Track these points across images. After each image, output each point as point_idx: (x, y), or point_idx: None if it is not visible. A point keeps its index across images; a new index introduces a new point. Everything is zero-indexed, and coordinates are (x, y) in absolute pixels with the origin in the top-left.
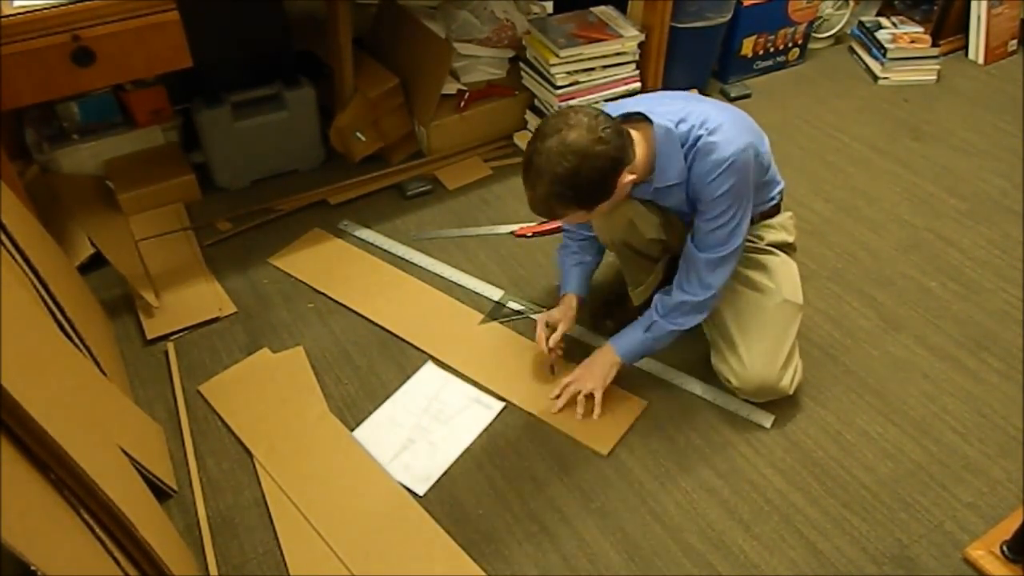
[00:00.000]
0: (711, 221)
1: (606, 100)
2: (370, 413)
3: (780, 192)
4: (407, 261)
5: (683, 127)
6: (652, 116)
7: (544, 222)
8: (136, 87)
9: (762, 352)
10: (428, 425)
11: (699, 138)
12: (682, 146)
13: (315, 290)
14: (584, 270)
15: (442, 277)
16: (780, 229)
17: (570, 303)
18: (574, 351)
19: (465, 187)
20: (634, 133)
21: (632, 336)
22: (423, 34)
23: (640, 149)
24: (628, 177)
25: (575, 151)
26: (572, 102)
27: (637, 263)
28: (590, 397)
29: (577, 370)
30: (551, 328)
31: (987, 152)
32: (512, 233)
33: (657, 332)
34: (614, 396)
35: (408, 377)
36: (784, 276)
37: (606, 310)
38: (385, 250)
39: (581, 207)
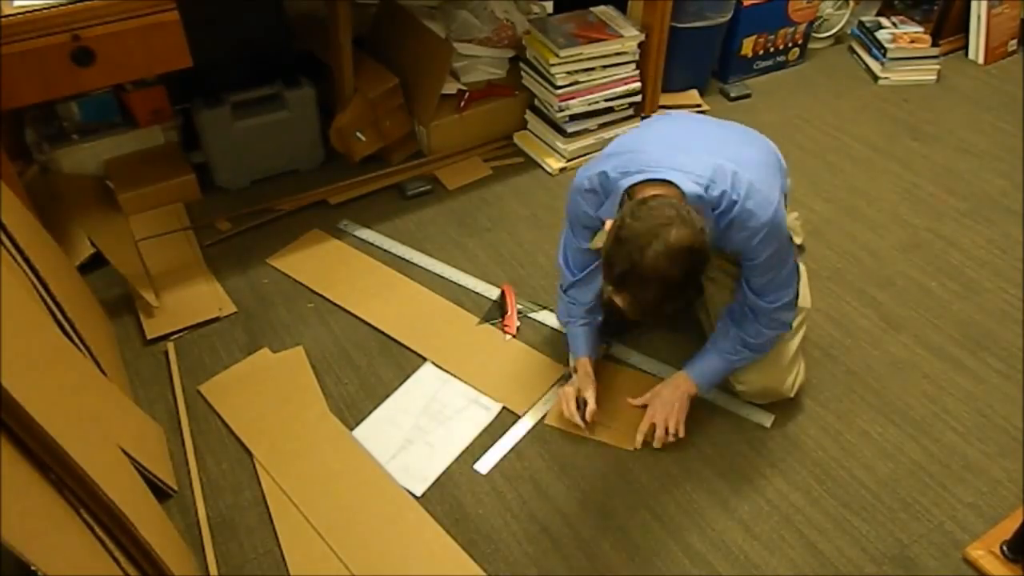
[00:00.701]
0: (764, 276)
1: (607, 138)
2: (369, 413)
3: (786, 192)
4: (407, 261)
5: (713, 191)
6: (680, 183)
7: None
8: (136, 87)
9: (769, 357)
10: (426, 425)
11: (733, 203)
12: (713, 209)
13: (314, 291)
14: (590, 330)
15: (442, 277)
16: (789, 231)
17: (586, 368)
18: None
19: (465, 187)
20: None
21: (713, 365)
22: (423, 34)
23: None
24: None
25: (686, 250)
26: (570, 102)
27: None
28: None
29: (654, 406)
30: (580, 399)
31: (987, 152)
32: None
33: (742, 362)
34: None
35: (407, 377)
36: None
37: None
38: (385, 250)
39: (688, 295)
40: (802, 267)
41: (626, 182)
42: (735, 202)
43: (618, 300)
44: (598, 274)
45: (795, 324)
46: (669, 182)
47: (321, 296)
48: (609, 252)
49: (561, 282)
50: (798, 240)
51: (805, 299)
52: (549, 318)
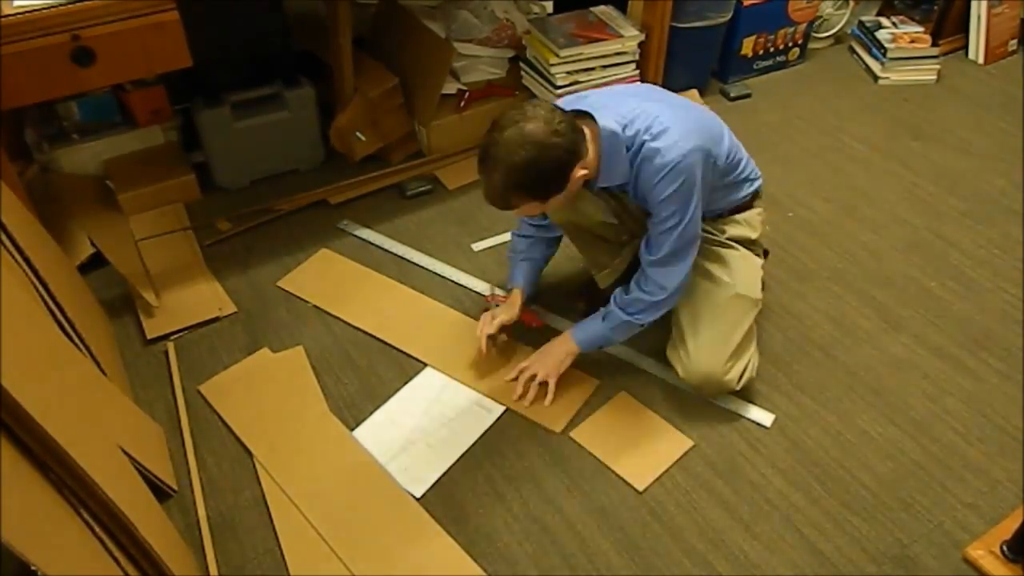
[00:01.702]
0: (659, 224)
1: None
2: (370, 414)
3: (755, 189)
4: (407, 260)
5: (629, 131)
6: (599, 117)
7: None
8: (136, 87)
9: (709, 343)
10: (428, 427)
11: (643, 143)
12: (628, 150)
13: (327, 312)
14: (531, 266)
15: (442, 276)
16: (744, 224)
17: (514, 298)
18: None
19: (465, 187)
20: (585, 130)
21: (591, 326)
22: (423, 34)
23: (591, 147)
24: (580, 172)
25: (532, 141)
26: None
27: (595, 245)
28: (543, 384)
29: (533, 356)
30: (492, 316)
31: (987, 152)
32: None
33: (613, 322)
34: (658, 429)
35: (410, 378)
36: (741, 270)
37: (579, 295)
38: (385, 250)
39: (535, 198)
40: (758, 260)
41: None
42: (644, 141)
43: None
44: (545, 231)
45: (736, 315)
46: (590, 116)
47: (335, 317)
48: (483, 138)
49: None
50: (753, 235)
51: (752, 289)
52: (558, 322)
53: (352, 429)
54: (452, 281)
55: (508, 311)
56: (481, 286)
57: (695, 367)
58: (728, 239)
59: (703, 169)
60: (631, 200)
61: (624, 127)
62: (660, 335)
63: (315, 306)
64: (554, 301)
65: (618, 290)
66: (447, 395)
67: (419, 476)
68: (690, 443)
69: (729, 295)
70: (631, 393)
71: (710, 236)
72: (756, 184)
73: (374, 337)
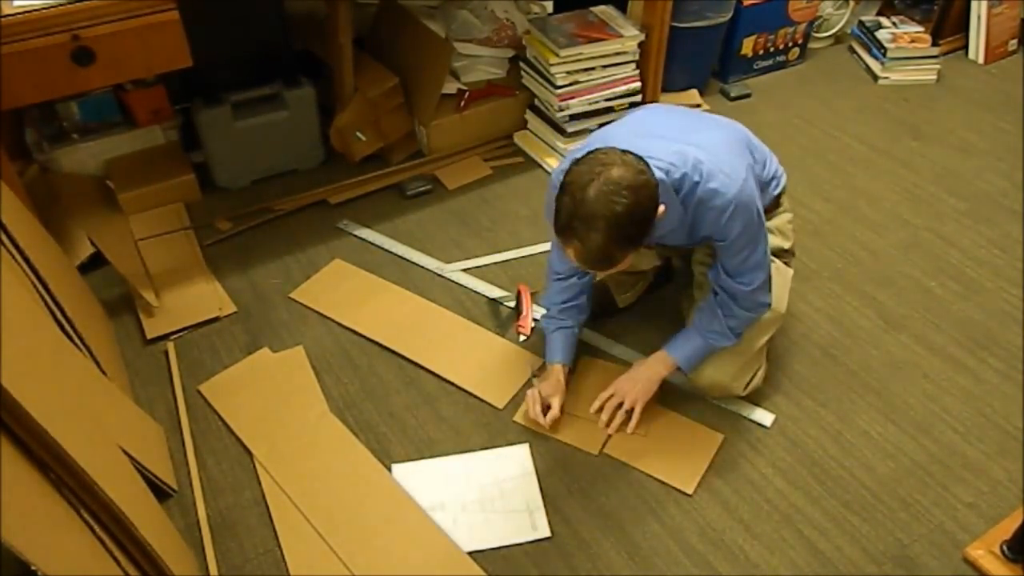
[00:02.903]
0: (738, 255)
1: (597, 124)
2: (430, 456)
3: (782, 188)
4: (407, 260)
5: (675, 174)
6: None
7: (519, 301)
8: (136, 87)
9: (725, 352)
10: (469, 505)
11: (696, 184)
12: (677, 192)
13: (340, 324)
14: (568, 335)
15: (442, 276)
16: (777, 234)
17: (558, 375)
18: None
19: (465, 187)
20: None
21: (691, 345)
22: (423, 34)
23: None
24: (662, 208)
25: (627, 187)
26: (571, 102)
27: (623, 281)
28: (629, 411)
29: (622, 381)
30: (545, 403)
31: (987, 152)
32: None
33: (716, 341)
34: (687, 430)
35: (411, 381)
36: (775, 284)
37: (595, 307)
38: (385, 249)
39: (634, 247)
40: (789, 271)
41: None
42: (697, 183)
43: (570, 254)
44: (579, 276)
45: (760, 327)
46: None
47: (350, 329)
48: (556, 200)
49: (546, 285)
50: (787, 244)
51: (781, 303)
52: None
53: (390, 466)
54: (453, 281)
55: (559, 394)
56: (482, 286)
57: (706, 371)
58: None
59: (755, 186)
60: (685, 242)
61: (667, 172)
62: (662, 336)
63: (328, 318)
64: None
65: (720, 314)
66: (512, 486)
67: None
68: (721, 437)
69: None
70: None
71: None
72: (782, 182)
73: (392, 351)
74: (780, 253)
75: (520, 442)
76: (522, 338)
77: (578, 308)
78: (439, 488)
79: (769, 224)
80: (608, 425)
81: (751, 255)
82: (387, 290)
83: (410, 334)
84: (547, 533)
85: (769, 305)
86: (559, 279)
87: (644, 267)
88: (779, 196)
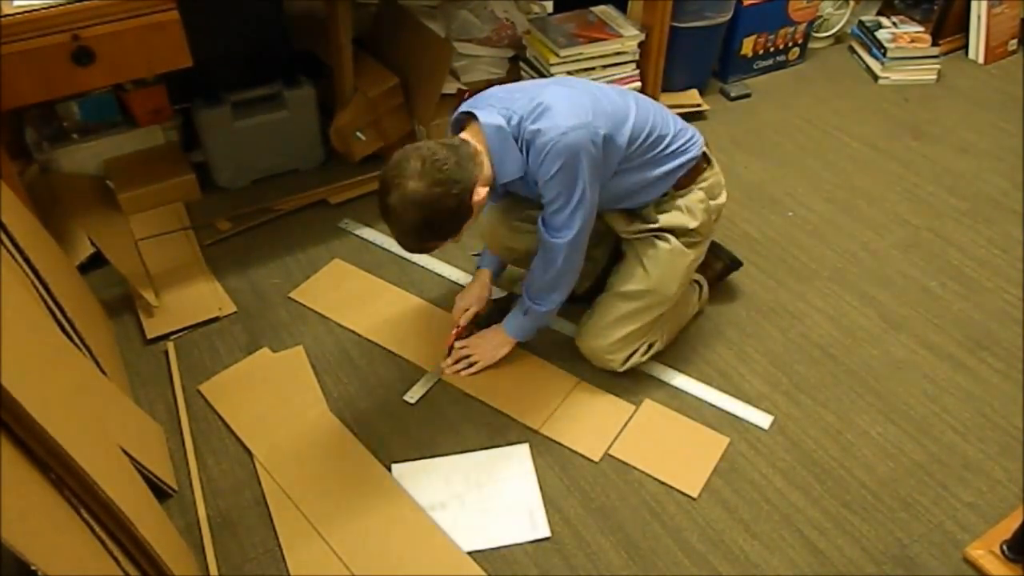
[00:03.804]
0: (549, 205)
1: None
2: (427, 457)
3: (688, 165)
4: (407, 260)
5: (513, 121)
6: (481, 115)
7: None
8: (136, 87)
9: (598, 325)
10: (469, 503)
11: (525, 129)
12: (517, 140)
13: (340, 325)
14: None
15: (441, 276)
16: (685, 212)
17: (483, 278)
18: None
19: None
20: (471, 139)
21: (516, 319)
22: (423, 34)
23: (484, 155)
24: (481, 191)
25: (416, 203)
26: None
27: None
28: (473, 363)
29: (474, 338)
30: (465, 307)
31: (987, 152)
32: (442, 368)
33: (534, 314)
34: (693, 433)
35: (410, 384)
36: (663, 265)
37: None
38: (385, 249)
39: (447, 238)
40: (688, 253)
41: (455, 114)
42: (526, 127)
43: None
44: None
45: (640, 306)
46: (473, 115)
47: (348, 329)
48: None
49: None
50: (692, 224)
51: (667, 286)
52: (567, 327)
53: (388, 468)
54: (451, 281)
55: (480, 298)
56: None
57: (582, 339)
58: (662, 228)
59: (594, 150)
60: (532, 193)
61: (509, 119)
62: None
63: (327, 318)
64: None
65: (525, 285)
66: (513, 487)
67: None
68: (727, 440)
69: (640, 288)
70: (652, 399)
71: (641, 225)
72: (688, 157)
73: (391, 351)
74: (683, 232)
75: (520, 442)
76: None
77: None
78: (439, 488)
79: (679, 202)
80: (452, 369)
81: (560, 210)
82: (386, 290)
83: (408, 335)
84: (547, 533)
85: (562, 272)
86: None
87: (521, 246)
88: (692, 174)
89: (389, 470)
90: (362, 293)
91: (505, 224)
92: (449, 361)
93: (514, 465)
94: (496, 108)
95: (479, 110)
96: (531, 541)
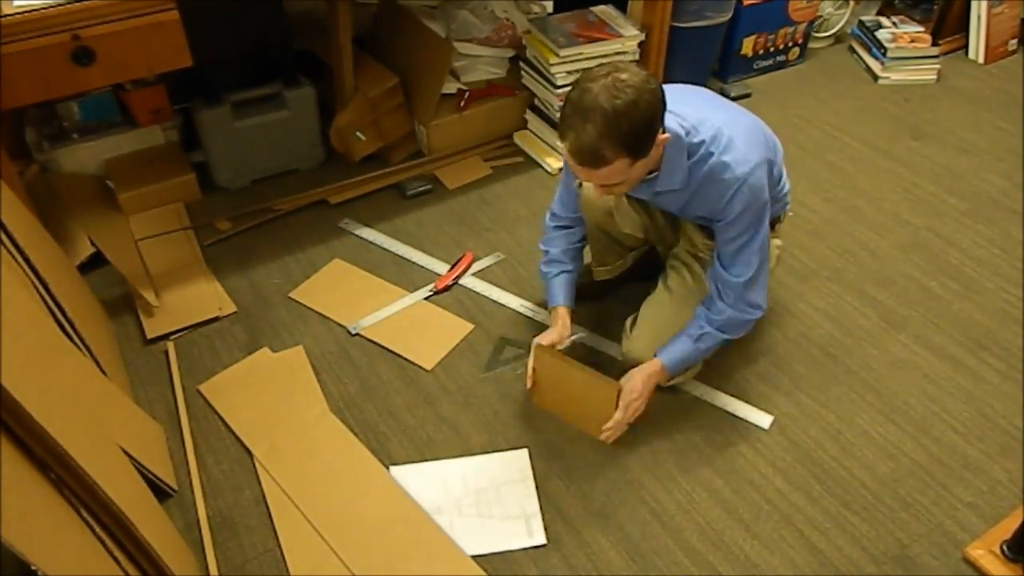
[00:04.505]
0: (733, 241)
1: None
2: (425, 460)
3: (785, 209)
4: (407, 260)
5: (693, 138)
6: (665, 121)
7: (456, 263)
8: (136, 86)
9: (650, 335)
10: (467, 509)
11: (710, 155)
12: (689, 157)
13: (340, 324)
14: (568, 279)
15: (440, 275)
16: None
17: (562, 317)
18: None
19: (465, 187)
20: None
21: (681, 347)
22: (423, 33)
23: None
24: (663, 137)
25: (631, 86)
26: None
27: (607, 246)
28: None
29: (625, 395)
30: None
31: (987, 152)
32: (431, 292)
33: (708, 343)
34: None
35: (410, 384)
36: None
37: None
38: (385, 249)
39: (628, 154)
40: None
41: None
42: (711, 153)
43: (564, 149)
44: (580, 225)
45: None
46: None
47: (341, 326)
48: (567, 96)
49: (544, 233)
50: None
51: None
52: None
53: (389, 467)
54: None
55: (562, 337)
56: (481, 286)
57: (629, 349)
58: None
59: (769, 181)
60: (676, 210)
61: (687, 132)
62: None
63: (327, 317)
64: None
65: (702, 311)
66: (509, 492)
67: None
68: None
69: (693, 303)
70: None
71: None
72: (787, 204)
73: (390, 351)
74: None
75: (520, 446)
76: (427, 294)
77: (576, 251)
78: (437, 491)
79: None
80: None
81: (747, 244)
82: (385, 291)
83: (407, 335)
84: (543, 540)
85: (761, 308)
86: (559, 227)
87: (624, 226)
88: (779, 218)
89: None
90: (362, 293)
91: (618, 202)
92: (622, 424)
93: (513, 471)
94: (672, 115)
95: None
96: (526, 548)
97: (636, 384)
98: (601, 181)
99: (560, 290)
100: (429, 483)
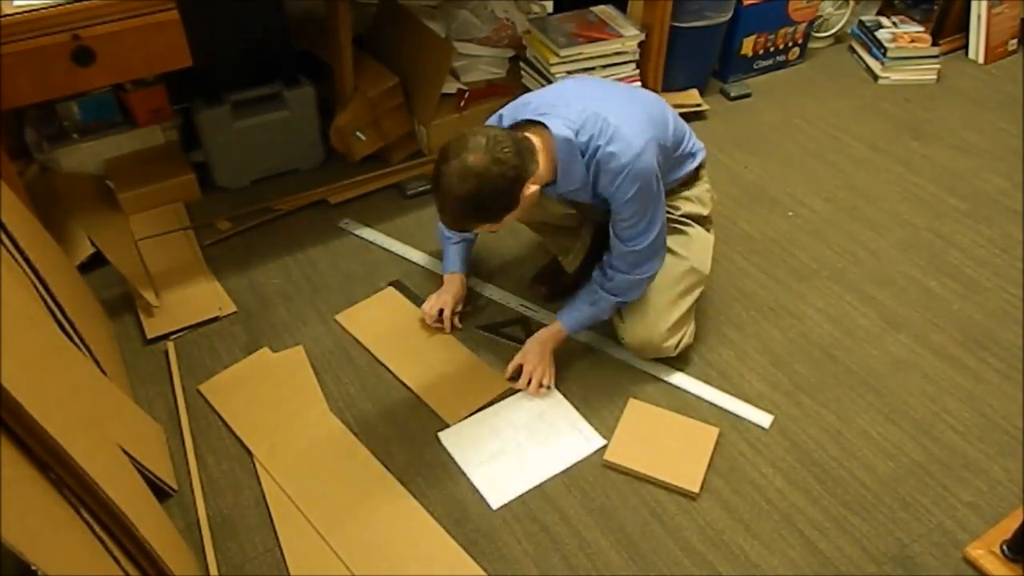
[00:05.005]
0: (626, 220)
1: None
2: (467, 416)
3: (700, 162)
4: (407, 260)
5: (582, 136)
6: (551, 124)
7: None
8: (136, 86)
9: (654, 312)
10: (524, 443)
11: (598, 148)
12: (583, 155)
13: (374, 358)
14: (464, 247)
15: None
16: (696, 202)
17: (454, 281)
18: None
19: None
20: (535, 140)
21: (579, 312)
22: (423, 33)
23: (542, 157)
24: (531, 188)
25: (474, 174)
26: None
27: (558, 233)
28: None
29: (529, 355)
30: (439, 309)
31: (987, 152)
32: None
33: (602, 305)
34: (686, 426)
35: (408, 383)
36: (695, 245)
37: (541, 279)
38: (385, 249)
39: (487, 221)
40: (709, 236)
41: (508, 123)
42: (599, 147)
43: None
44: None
45: (685, 287)
46: (542, 124)
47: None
48: (433, 169)
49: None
50: (705, 211)
51: (704, 265)
52: (532, 313)
53: (438, 431)
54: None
55: (453, 299)
56: (481, 285)
57: (636, 331)
58: (682, 216)
59: (660, 161)
60: (590, 200)
61: (577, 132)
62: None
63: (367, 350)
64: (518, 289)
65: (598, 274)
66: (551, 415)
67: (502, 489)
68: (716, 430)
69: (683, 269)
70: (634, 396)
71: (668, 213)
72: (700, 157)
73: (419, 397)
74: (700, 220)
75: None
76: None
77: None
78: (490, 439)
79: (688, 193)
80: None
81: (639, 221)
82: (433, 335)
83: (442, 384)
84: (602, 441)
85: (655, 268)
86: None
87: (555, 211)
88: (698, 169)
89: (437, 440)
90: (407, 329)
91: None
92: (531, 392)
93: (543, 398)
94: (560, 119)
95: (547, 118)
96: (594, 452)
97: (533, 356)
98: (481, 232)
99: (455, 256)
100: (479, 434)
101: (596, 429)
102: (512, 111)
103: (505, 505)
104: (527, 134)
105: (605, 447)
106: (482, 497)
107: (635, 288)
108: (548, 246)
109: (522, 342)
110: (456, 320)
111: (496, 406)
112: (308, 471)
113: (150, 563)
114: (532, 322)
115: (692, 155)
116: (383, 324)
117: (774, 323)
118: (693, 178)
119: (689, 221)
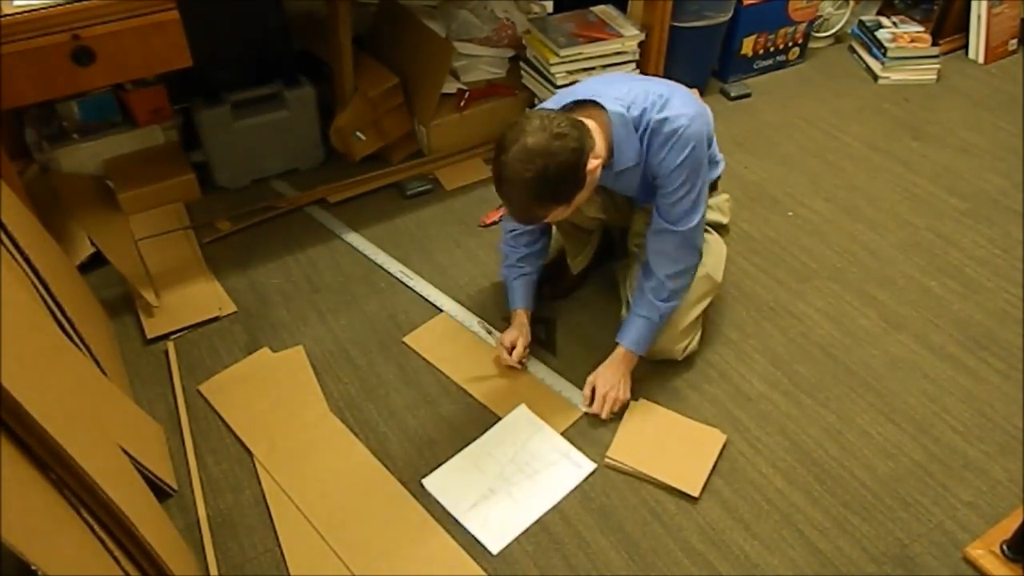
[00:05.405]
0: (673, 194)
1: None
2: (447, 458)
3: (720, 172)
4: (406, 259)
5: (634, 111)
6: (603, 102)
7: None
8: (136, 86)
9: (665, 324)
10: (512, 477)
11: (650, 120)
12: (637, 130)
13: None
14: (528, 282)
15: (441, 276)
16: (717, 210)
17: (521, 319)
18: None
19: (465, 187)
20: (588, 121)
21: (639, 331)
22: (423, 33)
23: (598, 136)
24: (594, 162)
25: (538, 153)
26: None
27: (576, 236)
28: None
29: (600, 380)
30: (510, 346)
31: (987, 152)
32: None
33: (657, 316)
34: (692, 430)
35: (409, 384)
36: (712, 253)
37: (543, 281)
38: (385, 249)
39: (559, 203)
40: (723, 246)
41: (563, 104)
42: (651, 118)
43: (506, 208)
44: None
45: (699, 294)
46: (594, 102)
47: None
48: (493, 158)
49: (503, 236)
50: (724, 220)
51: (718, 273)
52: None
53: (422, 479)
54: (454, 281)
55: (524, 336)
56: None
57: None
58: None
59: (706, 137)
60: (637, 184)
61: (628, 107)
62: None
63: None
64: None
65: (646, 286)
66: (535, 443)
67: (498, 530)
68: (723, 436)
69: (699, 276)
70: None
71: None
72: (721, 167)
73: (488, 408)
74: (718, 228)
75: (515, 406)
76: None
77: (536, 255)
78: (476, 478)
79: (711, 201)
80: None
81: (688, 194)
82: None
83: (511, 397)
84: (592, 466)
85: (700, 260)
86: (513, 232)
87: (588, 212)
88: (717, 180)
89: (421, 486)
90: (470, 350)
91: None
92: (605, 415)
93: (524, 426)
94: (610, 98)
95: (599, 97)
96: (584, 480)
97: (608, 378)
98: (552, 221)
99: (519, 293)
100: (465, 475)
101: (589, 441)
102: (559, 99)
103: (507, 547)
104: (577, 114)
105: (596, 471)
106: (479, 542)
107: (685, 287)
108: (566, 246)
109: (545, 343)
110: (526, 355)
111: (477, 442)
112: (308, 471)
113: (150, 563)
114: (556, 322)
115: (716, 163)
116: (446, 347)
117: (774, 323)
118: (712, 188)
119: (710, 228)
